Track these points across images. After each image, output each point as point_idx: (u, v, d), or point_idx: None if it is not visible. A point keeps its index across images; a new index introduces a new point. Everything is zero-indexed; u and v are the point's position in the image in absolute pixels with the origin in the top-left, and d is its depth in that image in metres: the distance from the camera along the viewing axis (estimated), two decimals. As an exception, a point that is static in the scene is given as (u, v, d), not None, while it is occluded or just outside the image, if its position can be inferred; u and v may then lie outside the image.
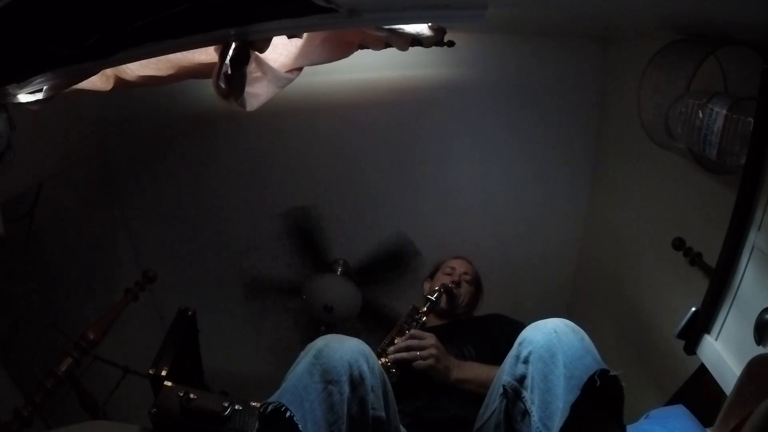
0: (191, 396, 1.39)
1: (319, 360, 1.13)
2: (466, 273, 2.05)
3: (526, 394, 1.22)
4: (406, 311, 1.86)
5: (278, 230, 2.68)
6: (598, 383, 1.08)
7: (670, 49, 1.60)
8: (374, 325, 2.66)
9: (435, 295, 1.86)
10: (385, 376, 1.27)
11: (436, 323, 1.91)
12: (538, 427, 1.15)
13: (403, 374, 1.57)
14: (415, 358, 1.58)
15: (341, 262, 2.74)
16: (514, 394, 1.26)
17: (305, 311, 2.78)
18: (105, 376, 1.88)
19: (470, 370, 1.60)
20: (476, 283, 2.08)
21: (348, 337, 1.23)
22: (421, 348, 1.59)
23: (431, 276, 2.14)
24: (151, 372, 1.58)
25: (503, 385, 1.28)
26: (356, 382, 1.14)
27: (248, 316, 3.01)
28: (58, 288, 2.21)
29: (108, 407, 1.80)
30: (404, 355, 1.59)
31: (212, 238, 2.92)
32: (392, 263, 2.67)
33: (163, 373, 1.57)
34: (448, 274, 2.03)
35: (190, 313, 1.89)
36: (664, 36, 1.65)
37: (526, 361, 1.23)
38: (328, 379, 1.11)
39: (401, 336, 1.70)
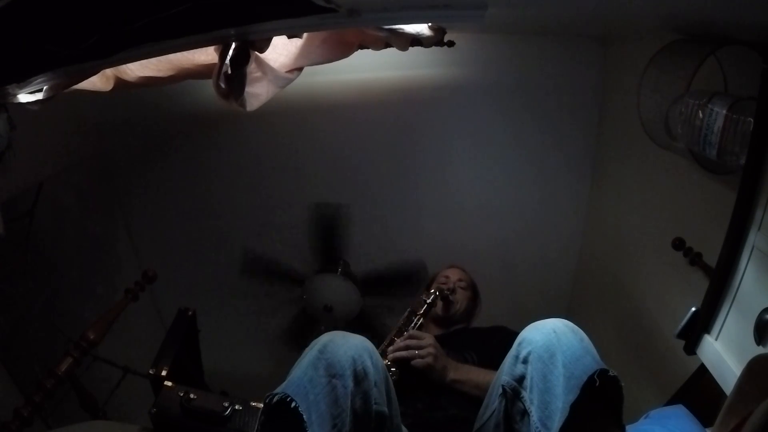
0: (191, 396, 1.39)
1: (323, 354, 1.15)
2: (460, 280, 2.07)
3: (525, 394, 1.22)
4: (404, 313, 1.87)
5: (291, 220, 2.66)
6: (598, 383, 1.08)
7: (670, 49, 1.60)
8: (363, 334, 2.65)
9: (431, 297, 1.87)
10: (388, 372, 1.28)
11: (436, 332, 1.91)
12: (537, 427, 1.15)
13: (403, 374, 1.57)
14: (414, 357, 1.59)
15: (341, 262, 2.74)
16: (513, 394, 1.26)
17: (304, 309, 2.77)
18: (105, 376, 1.88)
19: (467, 372, 1.61)
20: (472, 288, 2.09)
21: (352, 333, 1.24)
22: (420, 347, 1.61)
23: (427, 288, 2.15)
24: (151, 372, 1.58)
25: (502, 386, 1.28)
26: (360, 377, 1.15)
27: (248, 317, 3.02)
28: (58, 288, 2.21)
29: (108, 407, 1.80)
30: (403, 353, 1.60)
31: (212, 238, 2.92)
32: (402, 282, 2.64)
33: (163, 373, 1.57)
34: (443, 283, 2.04)
35: (190, 313, 1.89)
36: (664, 36, 1.65)
37: (525, 361, 1.23)
38: (333, 373, 1.12)
39: (399, 337, 1.71)
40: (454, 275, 2.09)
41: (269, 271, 2.74)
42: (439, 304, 1.91)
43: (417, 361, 1.58)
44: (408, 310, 1.87)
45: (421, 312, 1.83)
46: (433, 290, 1.91)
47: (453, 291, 1.99)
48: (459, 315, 1.99)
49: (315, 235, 2.66)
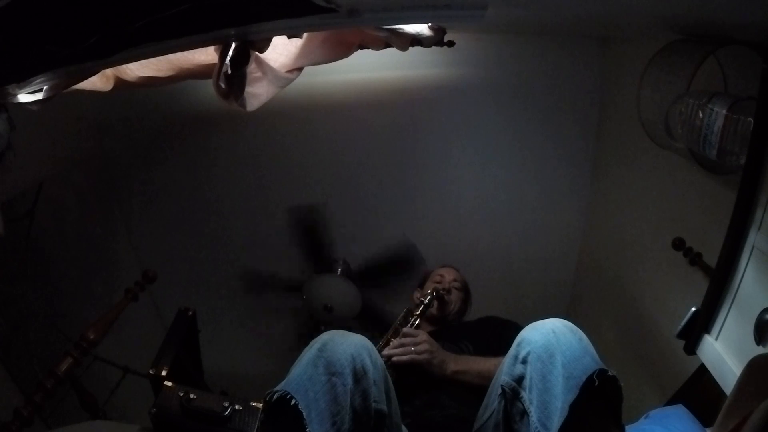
0: (191, 396, 1.39)
1: (323, 353, 1.16)
2: (455, 280, 2.08)
3: (524, 394, 1.22)
4: (400, 314, 1.88)
5: (283, 225, 2.67)
6: (597, 383, 1.08)
7: (670, 49, 1.60)
8: (372, 328, 2.65)
9: (427, 298, 1.89)
10: (387, 371, 1.28)
11: (429, 329, 1.92)
12: (536, 427, 1.15)
13: (401, 374, 1.57)
14: (410, 354, 1.59)
15: (341, 262, 2.74)
16: (512, 395, 1.26)
17: (305, 311, 2.78)
18: (105, 376, 1.88)
19: (466, 362, 1.61)
20: (465, 289, 2.11)
21: (351, 332, 1.25)
22: (415, 344, 1.61)
23: (420, 286, 2.17)
24: (151, 372, 1.58)
25: (502, 386, 1.28)
26: (359, 375, 1.16)
27: (248, 316, 3.02)
28: (58, 288, 2.21)
29: (108, 407, 1.80)
30: (400, 356, 1.61)
31: (212, 238, 2.92)
32: (396, 268, 2.64)
33: (163, 373, 1.57)
34: (438, 282, 2.06)
35: (190, 313, 1.89)
36: (664, 36, 1.65)
37: (524, 362, 1.23)
38: (332, 371, 1.13)
39: (396, 337, 1.72)
40: (448, 275, 2.11)
41: (271, 284, 2.76)
42: (435, 303, 1.92)
43: (413, 357, 1.58)
44: (404, 310, 1.89)
45: (418, 312, 1.85)
46: (430, 291, 1.93)
47: (448, 291, 2.00)
48: (452, 315, 2.01)
49: (299, 239, 2.67)
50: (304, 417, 1.05)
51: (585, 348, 1.16)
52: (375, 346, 1.66)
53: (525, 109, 2.66)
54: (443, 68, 2.56)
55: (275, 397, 1.08)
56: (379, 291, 2.70)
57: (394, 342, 1.67)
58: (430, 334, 1.79)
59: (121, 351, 1.94)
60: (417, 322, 1.83)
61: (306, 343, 1.24)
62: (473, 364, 1.60)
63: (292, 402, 1.06)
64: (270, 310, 2.93)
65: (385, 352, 1.63)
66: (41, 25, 0.81)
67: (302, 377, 1.12)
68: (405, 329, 1.73)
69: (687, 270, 1.81)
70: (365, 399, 1.16)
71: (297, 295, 2.74)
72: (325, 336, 1.21)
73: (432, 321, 1.97)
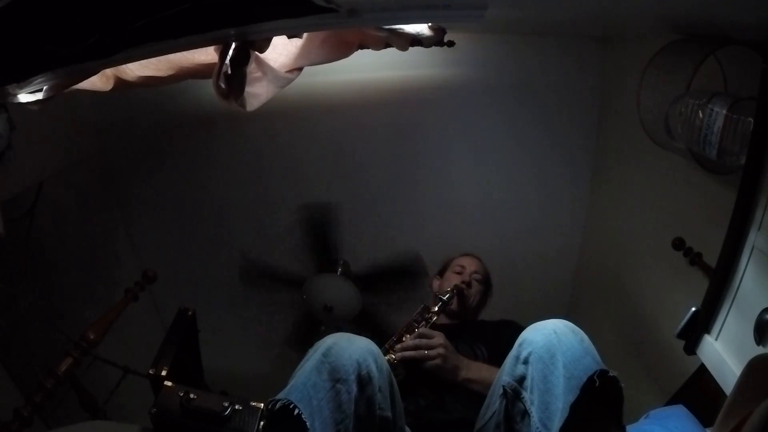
0: (191, 396, 1.38)
1: (327, 358, 1.13)
2: (476, 272, 2.01)
3: (525, 394, 1.22)
4: (417, 309, 1.83)
5: (284, 224, 2.64)
6: (598, 383, 1.08)
7: (670, 49, 1.60)
8: (366, 333, 2.62)
9: (447, 295, 1.83)
10: (392, 375, 1.27)
11: (446, 322, 1.88)
12: (537, 428, 1.15)
13: (409, 372, 1.56)
14: (423, 357, 1.57)
15: (341, 262, 2.74)
16: (513, 395, 1.26)
17: (302, 309, 2.76)
18: (105, 376, 1.88)
19: (479, 371, 1.59)
20: (486, 281, 2.05)
21: (357, 336, 1.23)
22: (430, 347, 1.58)
23: (440, 274, 2.10)
24: (151, 372, 1.58)
25: (503, 386, 1.28)
26: (364, 382, 1.14)
27: (248, 316, 3.01)
28: (58, 288, 2.21)
29: (108, 407, 1.80)
30: (412, 353, 1.59)
31: (212, 237, 2.92)
32: (398, 278, 2.61)
33: (163, 373, 1.57)
34: (458, 273, 1.99)
35: (190, 313, 1.88)
36: (664, 36, 1.65)
37: (525, 362, 1.23)
38: (337, 378, 1.11)
39: (410, 333, 1.69)
40: (470, 266, 2.03)
41: (267, 275, 2.73)
42: (454, 300, 1.87)
43: (427, 363, 1.56)
44: (421, 306, 1.84)
45: (435, 310, 1.80)
46: (450, 288, 1.87)
47: (469, 285, 1.94)
48: (471, 309, 1.96)
49: (307, 236, 2.65)
50: (308, 426, 1.04)
51: (586, 348, 1.17)
52: (387, 342, 1.66)
53: (525, 109, 2.66)
54: (443, 68, 2.56)
55: (278, 406, 1.07)
56: (374, 297, 2.69)
57: (408, 340, 1.64)
58: (446, 327, 1.77)
59: (121, 351, 1.94)
60: (434, 319, 1.78)
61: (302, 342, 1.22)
62: (485, 374, 1.56)
63: (296, 412, 1.05)
64: (270, 310, 2.92)
65: (398, 348, 1.61)
66: (41, 25, 0.81)
67: (306, 385, 1.10)
68: (422, 329, 1.69)
69: (687, 270, 1.81)
70: (370, 406, 1.15)
71: (294, 291, 2.71)
72: (330, 340, 1.19)
73: (450, 314, 1.91)
